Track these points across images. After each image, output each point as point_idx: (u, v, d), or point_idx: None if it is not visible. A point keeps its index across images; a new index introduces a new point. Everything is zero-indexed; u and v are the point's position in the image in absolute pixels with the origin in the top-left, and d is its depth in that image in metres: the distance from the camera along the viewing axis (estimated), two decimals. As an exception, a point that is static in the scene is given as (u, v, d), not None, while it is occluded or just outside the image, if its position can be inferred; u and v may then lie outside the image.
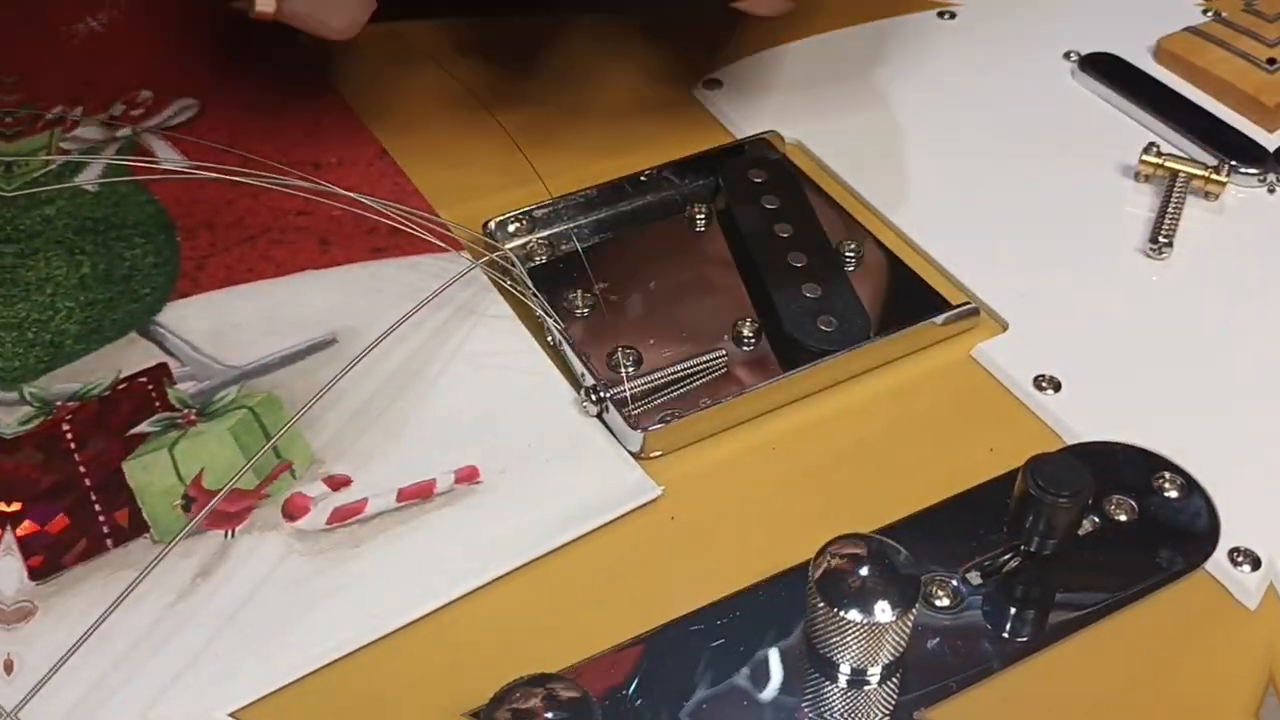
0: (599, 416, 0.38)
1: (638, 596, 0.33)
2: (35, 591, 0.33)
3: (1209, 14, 0.55)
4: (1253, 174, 0.47)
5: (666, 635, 0.32)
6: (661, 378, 0.38)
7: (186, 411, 0.38)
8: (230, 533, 0.34)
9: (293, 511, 0.35)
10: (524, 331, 0.40)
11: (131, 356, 0.40)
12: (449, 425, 0.37)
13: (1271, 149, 0.48)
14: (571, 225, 0.44)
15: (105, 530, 0.35)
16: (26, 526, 0.35)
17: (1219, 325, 0.41)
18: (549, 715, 0.26)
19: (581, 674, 0.31)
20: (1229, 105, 0.50)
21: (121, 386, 0.39)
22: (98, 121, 0.49)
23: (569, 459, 0.36)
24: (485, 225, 0.43)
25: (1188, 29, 0.53)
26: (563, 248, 0.43)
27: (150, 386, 0.39)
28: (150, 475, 0.36)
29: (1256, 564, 0.34)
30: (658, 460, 0.37)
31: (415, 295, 0.40)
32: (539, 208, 0.44)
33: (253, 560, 0.34)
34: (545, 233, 0.44)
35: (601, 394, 0.37)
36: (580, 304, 0.41)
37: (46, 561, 0.34)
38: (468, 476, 0.36)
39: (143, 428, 0.37)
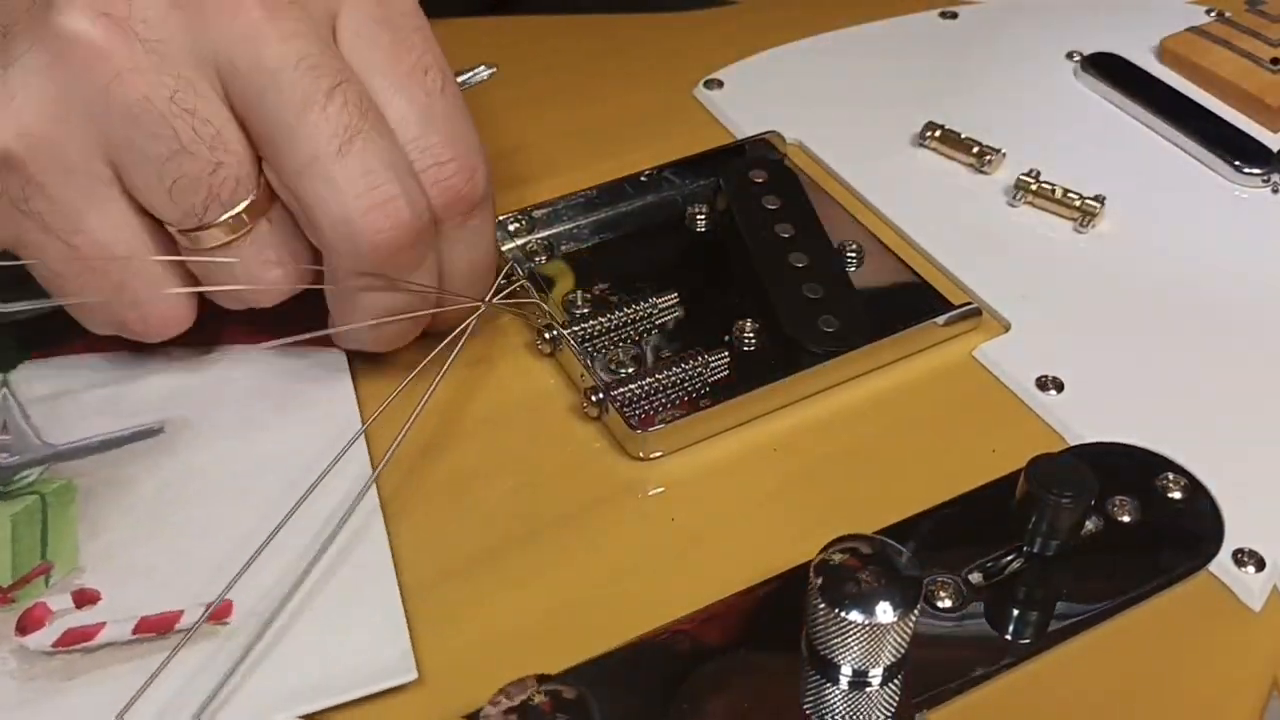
0: (599, 418, 0.38)
1: (637, 598, 0.33)
2: None
3: (1212, 14, 0.55)
4: (1257, 174, 0.47)
5: (666, 637, 0.32)
6: (662, 379, 0.37)
7: None
8: None
9: (26, 625, 0.32)
10: (357, 423, 0.37)
11: None
12: (232, 538, 0.33)
13: (1275, 149, 0.48)
14: (571, 225, 0.44)
15: None
16: None
17: (1223, 326, 0.41)
18: (548, 718, 0.26)
19: (581, 676, 0.31)
20: (1232, 105, 0.50)
21: None
22: None
23: (331, 607, 0.32)
24: (485, 225, 0.43)
25: (1191, 29, 0.53)
26: (562, 248, 0.43)
27: None
28: None
29: (1261, 565, 0.34)
30: (658, 461, 0.37)
31: (268, 387, 0.38)
32: (538, 208, 0.44)
33: None
34: (545, 233, 0.44)
35: (602, 396, 0.37)
36: (580, 305, 0.40)
37: None
38: (219, 614, 0.32)
39: None
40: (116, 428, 0.37)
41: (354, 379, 0.39)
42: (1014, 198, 0.45)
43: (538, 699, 0.26)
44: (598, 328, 0.39)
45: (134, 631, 0.32)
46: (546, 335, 0.39)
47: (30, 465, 0.36)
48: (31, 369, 0.38)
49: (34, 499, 0.35)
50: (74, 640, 0.31)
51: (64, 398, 0.38)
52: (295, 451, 0.36)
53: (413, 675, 0.31)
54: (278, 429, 0.37)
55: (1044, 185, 0.45)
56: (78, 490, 0.35)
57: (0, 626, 0.32)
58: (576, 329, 0.39)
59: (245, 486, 0.35)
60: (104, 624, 0.32)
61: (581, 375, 0.38)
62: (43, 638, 0.31)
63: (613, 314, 0.40)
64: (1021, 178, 0.45)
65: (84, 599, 0.32)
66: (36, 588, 0.33)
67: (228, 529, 0.34)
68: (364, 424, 0.36)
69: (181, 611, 0.32)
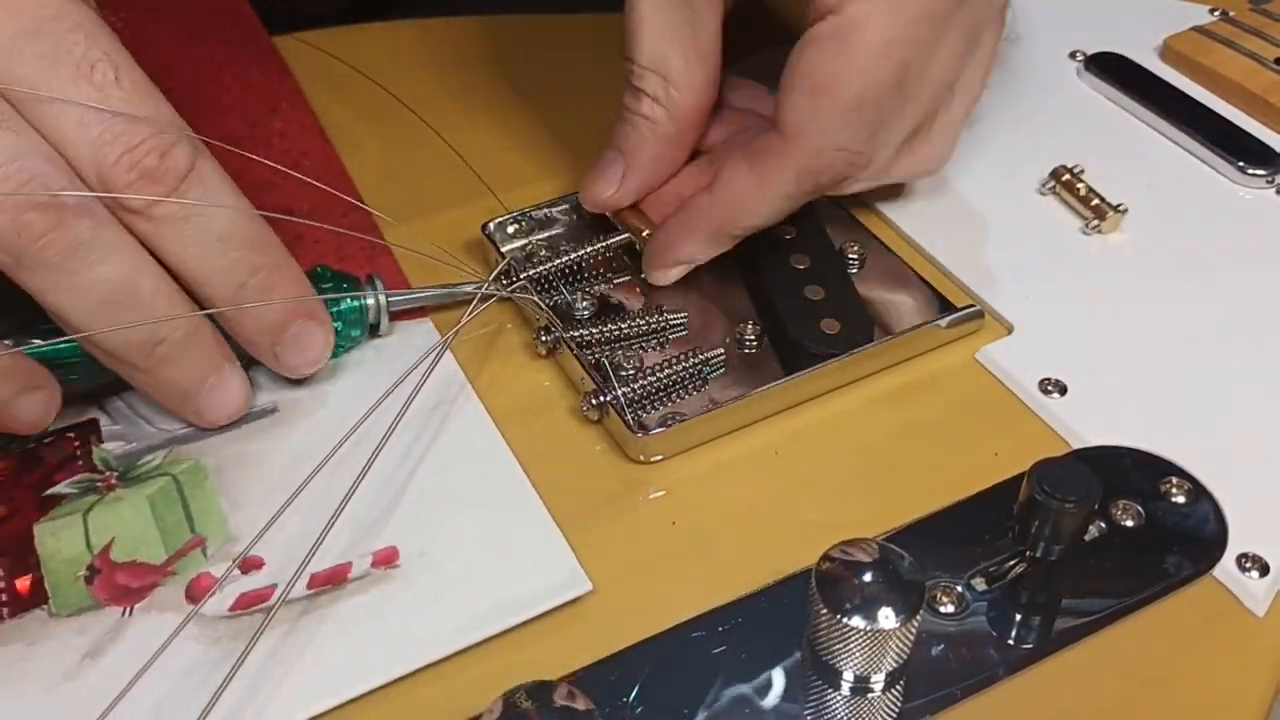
0: (599, 421, 0.37)
1: (638, 602, 0.33)
2: None
3: (1216, 13, 0.54)
4: (1260, 175, 0.46)
5: (667, 642, 0.32)
6: (662, 379, 0.37)
7: (108, 474, 0.36)
8: (128, 610, 0.32)
9: (196, 594, 0.33)
10: (474, 397, 0.38)
11: (66, 407, 0.37)
12: (377, 499, 0.35)
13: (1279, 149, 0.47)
14: (571, 226, 0.44)
15: (3, 599, 0.32)
16: None
17: (1227, 329, 0.41)
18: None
19: (582, 681, 0.31)
20: (1236, 106, 0.50)
21: (48, 440, 0.36)
22: None
23: (497, 542, 0.34)
24: (484, 226, 0.42)
25: (1195, 28, 0.53)
26: (562, 249, 0.43)
27: (77, 443, 0.36)
28: (59, 542, 0.34)
29: (1265, 570, 0.33)
30: (659, 464, 0.36)
31: (368, 362, 0.39)
32: (537, 208, 0.43)
33: (145, 643, 0.31)
34: (544, 234, 0.44)
35: (602, 398, 0.37)
36: (579, 306, 0.40)
37: None
38: (385, 560, 0.33)
39: (61, 488, 0.35)
40: None
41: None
42: (1044, 185, 0.46)
43: (537, 705, 0.26)
44: (597, 328, 0.39)
45: (309, 587, 0.33)
46: (544, 337, 0.39)
47: (151, 450, 0.36)
48: None
49: (166, 480, 0.36)
50: (250, 603, 0.33)
51: None
52: (407, 410, 0.37)
53: (587, 586, 0.33)
54: (387, 386, 0.37)
55: (1077, 180, 0.45)
56: (207, 469, 0.36)
57: (170, 598, 0.33)
58: (576, 331, 0.39)
59: (374, 442, 0.35)
60: (275, 585, 0.33)
61: (581, 378, 0.38)
62: (218, 603, 0.33)
63: (612, 315, 0.39)
64: (1058, 167, 0.46)
65: (249, 565, 0.33)
66: (195, 560, 0.34)
67: (368, 487, 0.35)
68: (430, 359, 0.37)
69: (350, 564, 0.33)
